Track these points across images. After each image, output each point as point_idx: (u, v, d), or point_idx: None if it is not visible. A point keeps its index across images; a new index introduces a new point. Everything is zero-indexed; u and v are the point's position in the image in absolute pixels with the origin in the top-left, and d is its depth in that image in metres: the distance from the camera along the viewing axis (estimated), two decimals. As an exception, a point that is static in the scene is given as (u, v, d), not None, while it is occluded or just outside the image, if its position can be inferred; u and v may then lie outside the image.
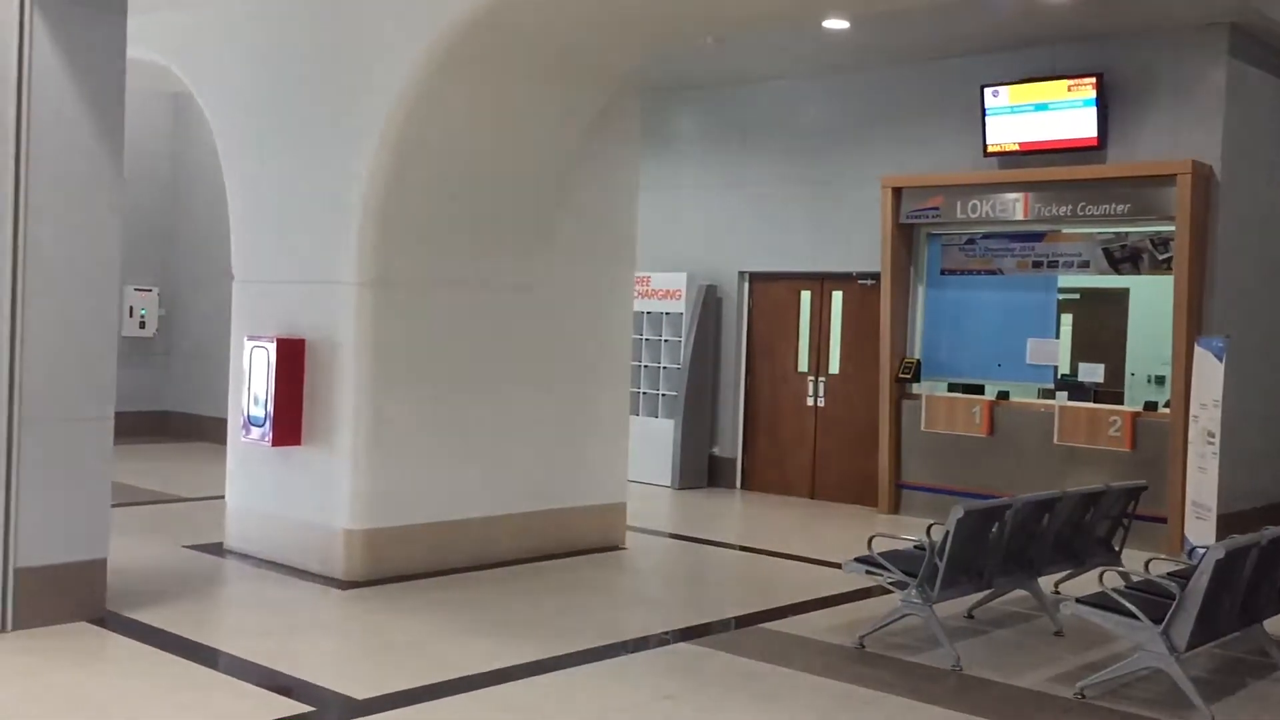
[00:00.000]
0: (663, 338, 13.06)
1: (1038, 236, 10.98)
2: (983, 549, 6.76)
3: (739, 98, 12.93)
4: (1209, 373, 8.97)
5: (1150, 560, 7.06)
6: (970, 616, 7.50)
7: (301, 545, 8.15)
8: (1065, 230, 10.86)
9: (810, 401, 12.53)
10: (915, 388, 11.62)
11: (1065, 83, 10.46)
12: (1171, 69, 10.17)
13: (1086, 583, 7.34)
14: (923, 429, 11.40)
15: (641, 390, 12.96)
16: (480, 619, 7.10)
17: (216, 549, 8.70)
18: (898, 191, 11.46)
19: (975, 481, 10.82)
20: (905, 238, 11.60)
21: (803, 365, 12.65)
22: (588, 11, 7.67)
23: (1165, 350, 10.28)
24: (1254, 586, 6.17)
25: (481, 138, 8.16)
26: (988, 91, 10.84)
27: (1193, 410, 9.21)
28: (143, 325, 15.16)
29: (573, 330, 9.18)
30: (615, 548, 9.42)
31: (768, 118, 12.72)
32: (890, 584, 6.99)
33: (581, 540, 9.17)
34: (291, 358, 8.17)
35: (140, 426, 14.43)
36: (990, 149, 10.92)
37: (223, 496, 8.96)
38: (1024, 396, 11.15)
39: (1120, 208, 10.24)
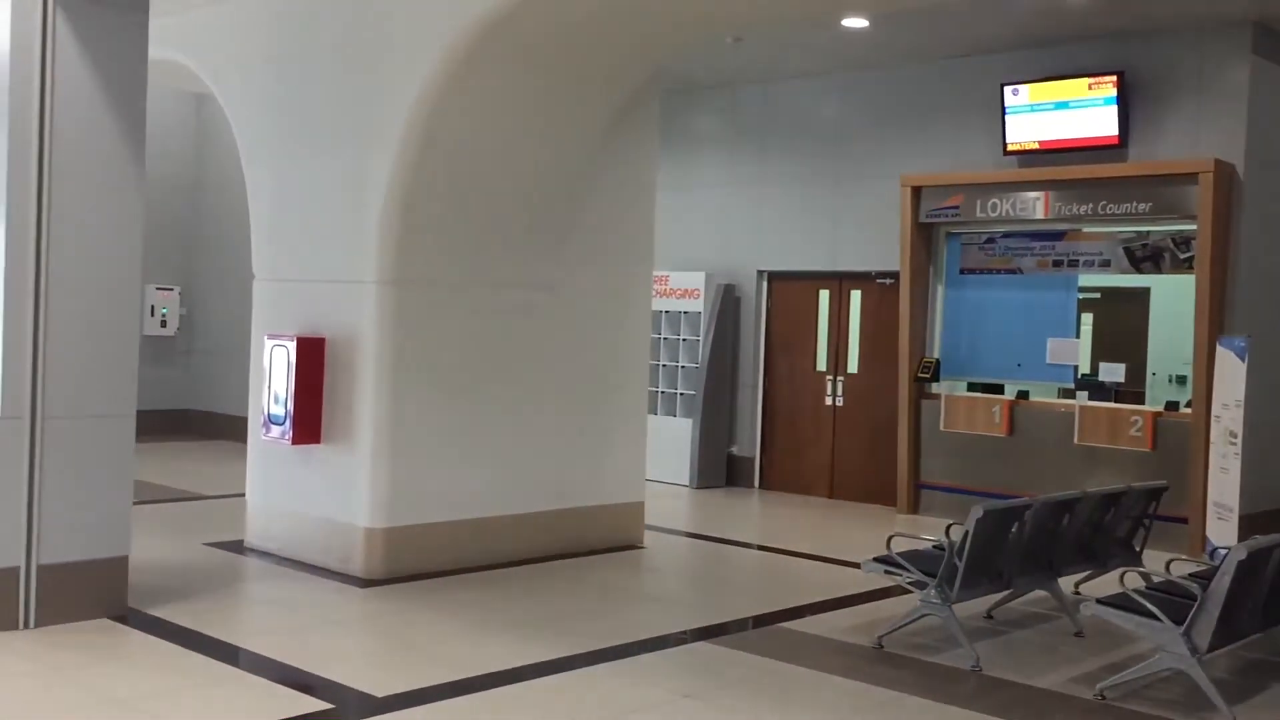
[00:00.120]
0: (681, 337, 13.05)
1: (1058, 235, 10.93)
2: (1002, 549, 6.73)
3: (758, 97, 12.92)
4: (1231, 373, 8.92)
5: (1171, 561, 7.02)
6: (990, 617, 7.47)
7: (321, 543, 8.18)
8: (1086, 229, 10.81)
9: (829, 401, 12.50)
10: (934, 387, 11.59)
11: (1086, 81, 10.41)
12: (1193, 67, 10.11)
13: (1107, 583, 7.31)
14: (942, 429, 11.36)
15: (660, 389, 12.96)
16: (499, 618, 7.11)
17: (237, 546, 8.74)
18: (917, 190, 11.43)
19: (995, 481, 10.79)
20: (925, 237, 11.57)
21: (821, 364, 12.63)
22: (607, 11, 7.68)
23: (1187, 350, 10.22)
24: (1276, 588, 6.13)
25: (502, 137, 8.18)
26: (1008, 90, 10.80)
27: (1215, 410, 9.17)
28: (164, 324, 15.26)
29: (592, 329, 9.19)
30: (634, 547, 9.43)
31: (787, 117, 12.71)
32: (909, 584, 6.97)
33: (600, 539, 9.18)
34: (311, 356, 8.21)
35: (161, 425, 14.50)
36: (1010, 147, 10.88)
37: (243, 494, 9.00)
38: (1044, 396, 11.11)
39: (1141, 206, 10.19)
